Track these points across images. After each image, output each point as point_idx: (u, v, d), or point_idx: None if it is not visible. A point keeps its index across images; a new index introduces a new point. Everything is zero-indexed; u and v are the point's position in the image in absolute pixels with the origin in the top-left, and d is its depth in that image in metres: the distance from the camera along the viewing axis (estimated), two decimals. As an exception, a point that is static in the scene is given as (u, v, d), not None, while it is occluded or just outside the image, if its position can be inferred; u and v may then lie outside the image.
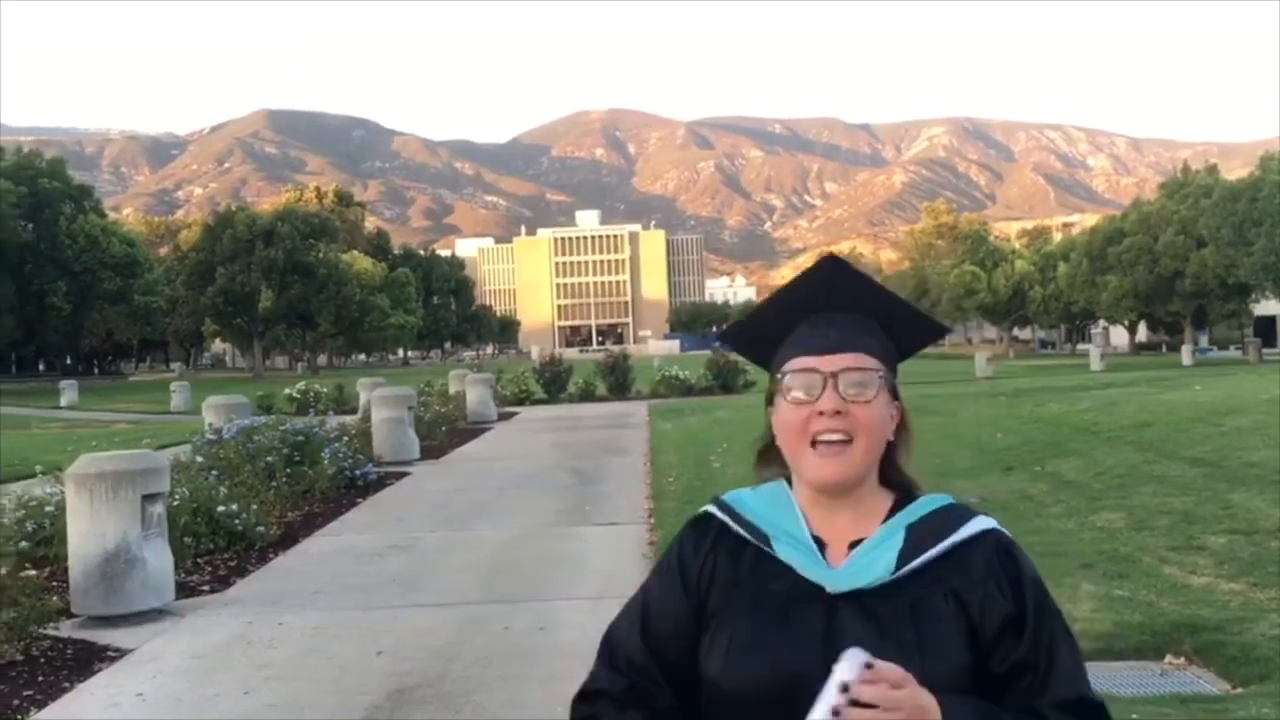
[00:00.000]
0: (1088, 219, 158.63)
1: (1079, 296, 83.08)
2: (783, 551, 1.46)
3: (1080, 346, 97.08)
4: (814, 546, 1.46)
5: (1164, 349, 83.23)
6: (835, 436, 1.44)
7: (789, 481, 1.55)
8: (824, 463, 1.45)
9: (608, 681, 1.49)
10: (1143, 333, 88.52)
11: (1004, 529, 1.51)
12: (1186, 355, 54.26)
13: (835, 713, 1.22)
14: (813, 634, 1.39)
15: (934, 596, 1.42)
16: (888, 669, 1.24)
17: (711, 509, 1.57)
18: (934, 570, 1.44)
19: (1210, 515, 8.99)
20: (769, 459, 1.58)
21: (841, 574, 1.43)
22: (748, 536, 1.50)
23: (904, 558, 1.44)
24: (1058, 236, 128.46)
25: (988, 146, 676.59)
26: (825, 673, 1.30)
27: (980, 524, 1.49)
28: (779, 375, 1.52)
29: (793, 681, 1.35)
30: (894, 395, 1.52)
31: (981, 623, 1.41)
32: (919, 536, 1.46)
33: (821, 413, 1.44)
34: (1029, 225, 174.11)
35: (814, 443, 1.45)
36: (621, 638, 1.53)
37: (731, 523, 1.52)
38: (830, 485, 1.47)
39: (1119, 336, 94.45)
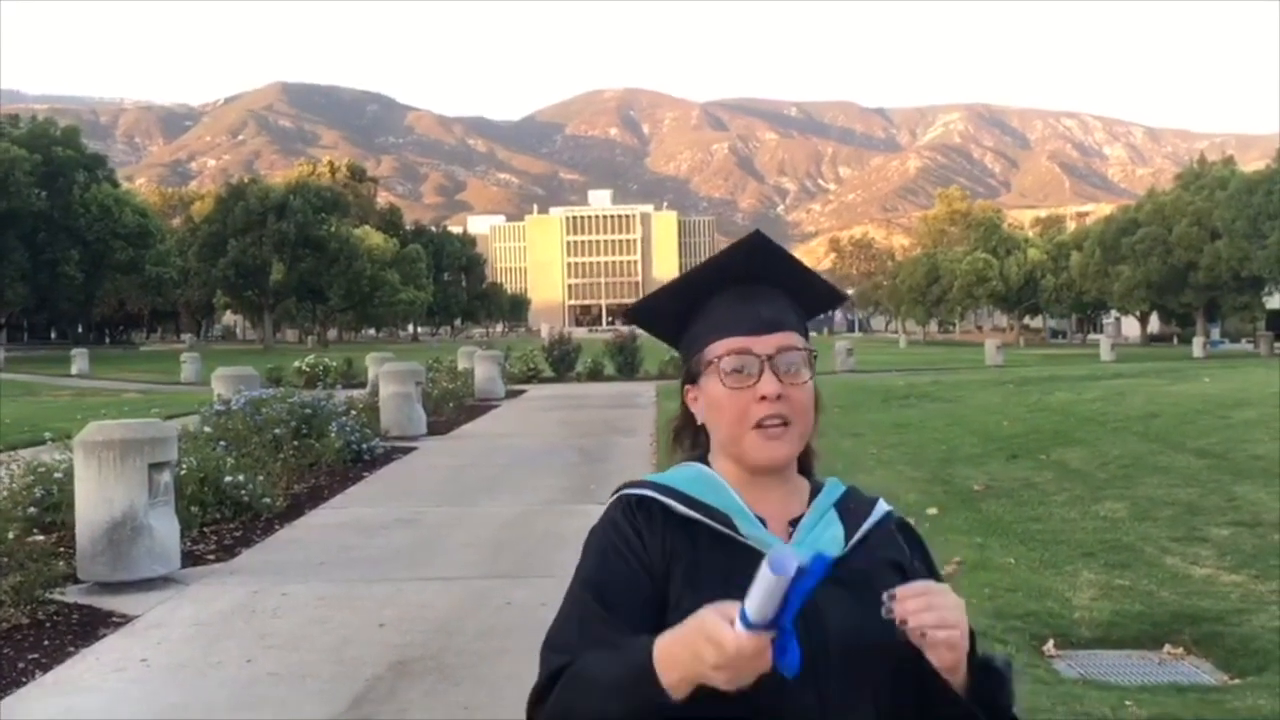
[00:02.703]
0: (1102, 208, 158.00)
1: (1091, 286, 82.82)
2: (746, 530, 1.44)
3: (1091, 337, 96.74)
4: (762, 525, 1.45)
5: (1175, 341, 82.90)
6: (776, 422, 1.44)
7: (703, 462, 1.53)
8: (768, 444, 1.44)
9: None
10: (1155, 324, 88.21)
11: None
12: (1198, 347, 53.91)
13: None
14: None
15: (880, 566, 1.46)
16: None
17: (647, 493, 1.48)
18: (869, 545, 1.49)
19: (1214, 507, 8.99)
20: (683, 438, 1.58)
21: (804, 550, 1.39)
22: (698, 517, 1.45)
23: (848, 533, 1.48)
24: (1072, 225, 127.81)
25: (1003, 133, 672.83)
26: (806, 643, 1.29)
27: (884, 505, 1.56)
28: (711, 358, 1.48)
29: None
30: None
31: None
32: (848, 514, 1.51)
33: (763, 397, 1.43)
34: (1043, 214, 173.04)
35: (753, 425, 1.45)
36: (567, 641, 1.39)
37: (678, 505, 1.46)
38: (773, 466, 1.47)
39: (1130, 327, 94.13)
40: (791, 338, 1.47)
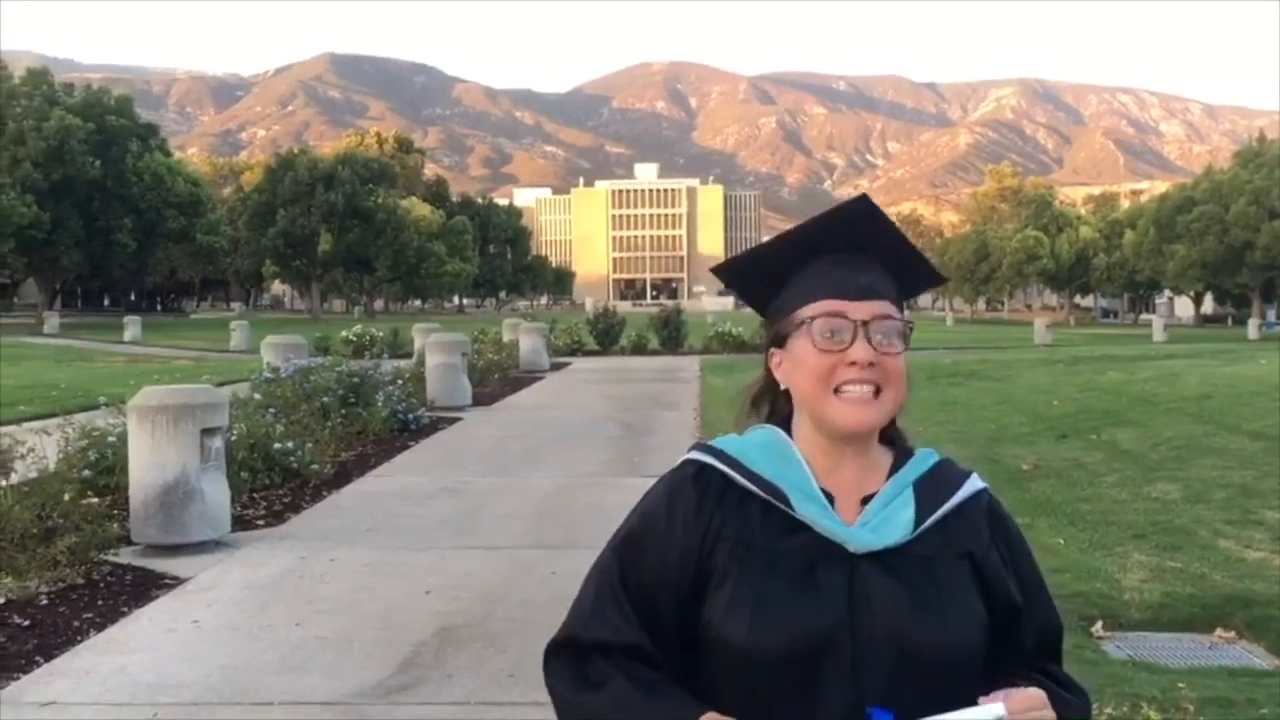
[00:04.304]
0: (1157, 186, 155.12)
1: (1145, 265, 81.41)
2: (801, 508, 1.39)
3: (1143, 317, 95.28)
4: (826, 502, 1.41)
5: (1229, 322, 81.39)
6: (865, 389, 1.39)
7: (784, 429, 1.49)
8: (853, 409, 1.39)
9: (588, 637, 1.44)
10: (1209, 305, 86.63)
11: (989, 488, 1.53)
12: (1252, 329, 52.96)
13: None
14: (837, 594, 1.35)
15: (948, 557, 1.41)
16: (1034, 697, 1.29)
17: (709, 460, 1.45)
18: (944, 529, 1.42)
19: (1269, 490, 8.83)
20: (760, 404, 1.54)
21: (862, 532, 1.39)
22: (756, 491, 1.42)
23: (919, 516, 1.41)
24: (1125, 204, 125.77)
25: (1057, 109, 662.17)
26: (850, 632, 1.33)
27: (975, 483, 1.49)
28: (803, 319, 1.43)
29: (818, 642, 1.33)
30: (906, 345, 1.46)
31: (993, 582, 1.42)
32: (926, 494, 1.43)
33: (853, 363, 1.39)
34: (1096, 191, 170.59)
35: (836, 390, 1.40)
36: (581, 617, 1.45)
37: (738, 476, 1.43)
38: (857, 432, 1.41)
39: (1184, 308, 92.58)
40: (888, 307, 1.43)
